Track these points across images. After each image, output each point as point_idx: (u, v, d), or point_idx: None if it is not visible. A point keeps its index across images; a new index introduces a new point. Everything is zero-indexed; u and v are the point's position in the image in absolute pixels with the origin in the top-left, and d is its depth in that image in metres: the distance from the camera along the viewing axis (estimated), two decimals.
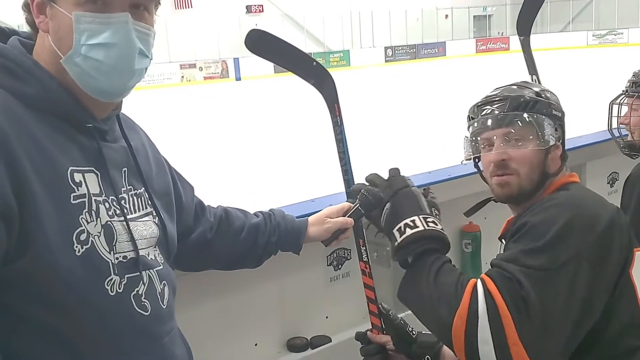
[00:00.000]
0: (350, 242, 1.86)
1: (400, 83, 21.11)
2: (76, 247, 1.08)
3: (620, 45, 32.06)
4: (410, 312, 2.42)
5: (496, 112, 1.71)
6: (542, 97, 1.72)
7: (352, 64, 30.97)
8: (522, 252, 1.45)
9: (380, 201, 1.59)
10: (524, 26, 2.25)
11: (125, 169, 1.24)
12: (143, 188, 1.28)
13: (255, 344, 2.18)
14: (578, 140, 3.23)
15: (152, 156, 1.37)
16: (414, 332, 1.73)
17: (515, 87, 1.78)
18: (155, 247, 1.27)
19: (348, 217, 1.70)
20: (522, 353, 1.34)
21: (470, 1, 36.62)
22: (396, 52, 33.18)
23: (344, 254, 2.37)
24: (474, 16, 37.48)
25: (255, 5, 30.34)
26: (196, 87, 24.39)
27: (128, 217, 1.19)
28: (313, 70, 1.71)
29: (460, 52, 33.63)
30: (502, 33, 37.83)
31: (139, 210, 1.25)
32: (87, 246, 1.09)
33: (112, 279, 1.13)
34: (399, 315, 1.79)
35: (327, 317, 2.35)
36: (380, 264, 2.41)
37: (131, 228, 1.19)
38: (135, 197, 1.25)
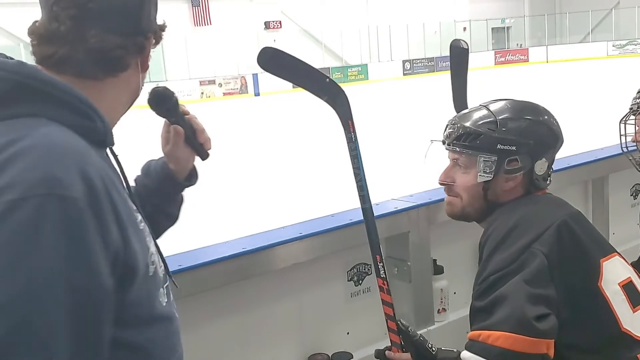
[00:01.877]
0: (370, 258, 1.85)
1: (419, 96, 21.08)
2: (150, 268, 1.11)
3: None
4: (429, 328, 2.42)
5: (447, 136, 1.79)
6: (492, 129, 1.72)
7: (370, 77, 31.00)
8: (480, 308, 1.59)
9: (168, 92, 1.38)
10: (461, 105, 2.24)
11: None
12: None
13: None
14: (600, 152, 3.19)
15: None
16: (433, 349, 1.71)
17: (479, 111, 1.79)
18: None
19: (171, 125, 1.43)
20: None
21: (488, 13, 36.56)
22: (414, 65, 33.16)
23: (365, 270, 2.36)
24: (492, 28, 37.36)
25: (273, 22, 30.54)
26: (215, 103, 24.55)
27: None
28: (326, 87, 1.71)
29: (479, 64, 33.48)
30: (521, 45, 37.70)
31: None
32: (153, 266, 1.13)
33: (162, 290, 1.17)
34: (418, 332, 1.78)
35: (348, 333, 2.34)
36: (401, 280, 2.39)
37: (156, 242, 1.23)
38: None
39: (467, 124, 1.75)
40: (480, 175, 1.72)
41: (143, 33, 1.15)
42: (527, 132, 1.73)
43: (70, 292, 0.91)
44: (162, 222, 1.49)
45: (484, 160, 1.71)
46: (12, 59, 1.08)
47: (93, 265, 0.94)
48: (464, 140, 1.74)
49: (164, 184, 1.45)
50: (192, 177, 1.48)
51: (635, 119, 2.47)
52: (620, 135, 2.49)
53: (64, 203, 0.91)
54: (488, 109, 1.77)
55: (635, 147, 2.50)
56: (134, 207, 1.15)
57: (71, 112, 1.04)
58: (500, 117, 1.74)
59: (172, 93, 1.36)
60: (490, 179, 1.71)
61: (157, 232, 1.47)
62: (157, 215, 1.43)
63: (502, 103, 1.80)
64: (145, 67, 1.20)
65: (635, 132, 2.46)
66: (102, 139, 1.10)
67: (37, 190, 0.90)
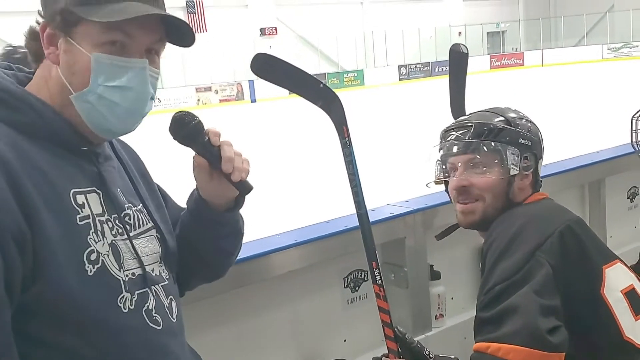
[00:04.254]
0: (366, 264, 1.84)
1: (415, 101, 21.09)
2: (88, 267, 1.08)
3: (636, 58, 31.85)
4: (427, 334, 2.40)
5: (460, 138, 1.75)
6: (509, 126, 1.74)
7: (367, 83, 31.03)
8: (486, 319, 1.53)
9: (186, 119, 1.27)
10: (458, 110, 2.21)
11: (119, 188, 1.24)
12: (141, 204, 1.28)
13: None
14: (596, 155, 3.19)
15: (138, 170, 1.36)
16: (431, 356, 1.69)
17: (487, 113, 1.81)
18: (160, 262, 1.28)
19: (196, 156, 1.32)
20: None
21: (483, 18, 36.64)
22: (410, 70, 33.20)
23: (361, 276, 2.34)
24: (488, 32, 37.44)
25: (269, 28, 30.57)
26: (212, 110, 24.50)
27: (131, 234, 1.20)
28: (320, 93, 1.70)
29: (474, 68, 33.49)
30: (516, 49, 37.78)
31: (142, 226, 1.26)
32: (98, 265, 1.10)
33: (124, 296, 1.13)
34: (416, 339, 1.76)
35: (345, 341, 2.32)
36: (398, 286, 2.38)
37: (135, 246, 1.19)
38: (137, 213, 1.26)
39: (486, 121, 1.75)
40: (512, 168, 1.70)
41: (38, 20, 1.16)
42: (532, 130, 1.77)
43: None
44: (212, 257, 1.42)
45: (511, 153, 1.70)
46: None
47: None
48: (486, 135, 1.72)
49: (196, 212, 1.35)
50: (235, 206, 1.37)
51: None
52: (632, 132, 2.46)
53: None
54: (490, 111, 1.79)
55: None
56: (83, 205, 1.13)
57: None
58: (508, 116, 1.77)
59: (191, 120, 1.25)
60: (517, 172, 1.71)
61: (215, 270, 1.47)
62: (203, 249, 1.38)
63: (494, 109, 1.83)
64: (50, 57, 1.14)
65: None
66: (53, 136, 1.12)
67: None
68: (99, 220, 1.14)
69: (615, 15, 35.74)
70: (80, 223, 1.10)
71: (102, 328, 1.10)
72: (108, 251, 1.13)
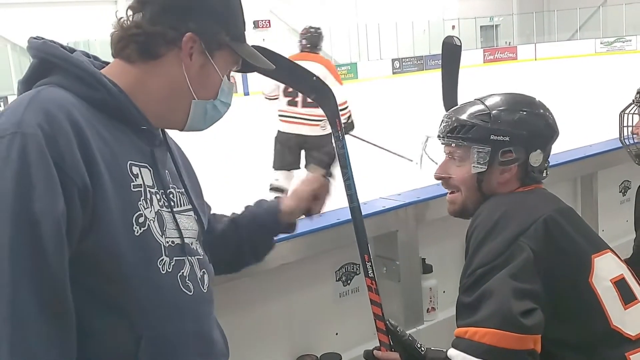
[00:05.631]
0: (358, 257, 1.83)
1: (408, 95, 21.10)
2: (135, 228, 1.21)
3: (629, 53, 31.97)
4: (418, 327, 2.41)
5: (442, 130, 1.79)
6: (484, 121, 1.72)
7: (360, 76, 30.98)
8: (466, 304, 1.58)
9: (331, 155, 1.60)
10: (450, 103, 2.20)
11: (167, 170, 1.38)
12: (183, 189, 1.41)
13: None
14: (589, 149, 3.19)
15: (183, 165, 1.50)
16: (423, 349, 1.70)
17: (475, 103, 1.80)
18: (197, 240, 1.41)
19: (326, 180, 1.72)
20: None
21: (476, 11, 36.65)
22: (403, 63, 33.18)
23: (353, 269, 2.34)
24: (481, 26, 37.47)
25: (262, 21, 30.46)
26: None
27: (174, 209, 1.33)
28: (313, 85, 1.70)
29: (467, 62, 33.27)
30: (510, 43, 37.83)
31: (183, 205, 1.39)
32: (144, 228, 1.23)
33: (163, 259, 1.26)
34: (408, 332, 1.76)
35: (337, 334, 2.32)
36: (390, 279, 2.38)
37: (177, 219, 1.32)
38: (180, 194, 1.39)
39: (461, 117, 1.76)
40: (474, 167, 1.72)
41: (177, 28, 1.26)
42: (521, 123, 1.74)
43: (17, 213, 1.06)
44: (246, 255, 1.68)
45: (477, 152, 1.71)
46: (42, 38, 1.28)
47: (44, 190, 1.08)
48: (457, 132, 1.75)
49: (269, 217, 1.64)
50: (290, 227, 1.68)
51: (638, 110, 2.45)
52: (622, 127, 2.46)
53: (25, 138, 1.09)
54: (482, 102, 1.79)
55: (633, 140, 2.49)
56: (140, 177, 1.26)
57: (77, 81, 1.23)
58: (493, 109, 1.75)
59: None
60: (484, 170, 1.71)
61: (236, 265, 1.71)
62: (244, 246, 1.64)
63: (496, 97, 1.82)
64: (188, 67, 1.29)
65: (634, 125, 2.45)
66: (118, 112, 1.25)
67: (9, 130, 1.11)
68: (149, 190, 1.27)
69: (609, 9, 35.83)
70: (133, 190, 1.23)
71: (143, 284, 1.22)
72: (154, 218, 1.26)
